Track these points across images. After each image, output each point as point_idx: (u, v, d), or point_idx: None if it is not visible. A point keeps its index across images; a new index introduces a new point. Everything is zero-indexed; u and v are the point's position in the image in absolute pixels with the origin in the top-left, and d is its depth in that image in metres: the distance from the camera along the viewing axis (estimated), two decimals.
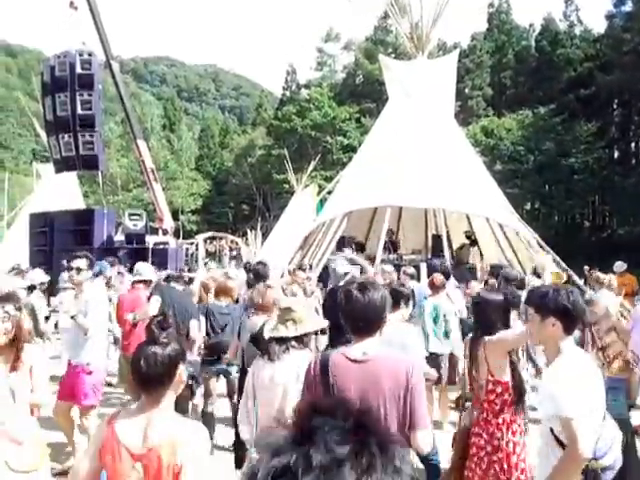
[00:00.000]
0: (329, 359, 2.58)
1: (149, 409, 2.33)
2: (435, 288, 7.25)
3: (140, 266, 7.59)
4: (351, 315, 2.61)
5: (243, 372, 4.82)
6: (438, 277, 7.36)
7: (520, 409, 3.71)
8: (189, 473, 2.22)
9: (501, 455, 3.61)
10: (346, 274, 7.72)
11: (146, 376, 2.31)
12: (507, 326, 3.93)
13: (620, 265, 13.25)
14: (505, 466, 3.57)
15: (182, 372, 2.41)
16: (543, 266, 11.51)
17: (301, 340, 3.38)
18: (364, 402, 2.33)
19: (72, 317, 5.52)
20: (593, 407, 2.83)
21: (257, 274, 7.19)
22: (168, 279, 7.45)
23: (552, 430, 2.83)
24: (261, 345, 4.74)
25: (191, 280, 9.46)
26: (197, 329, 6.36)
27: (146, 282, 7.22)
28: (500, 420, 3.66)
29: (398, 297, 5.66)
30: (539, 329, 2.94)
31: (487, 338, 3.72)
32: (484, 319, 3.93)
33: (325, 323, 3.85)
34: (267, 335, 3.48)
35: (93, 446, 2.37)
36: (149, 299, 6.63)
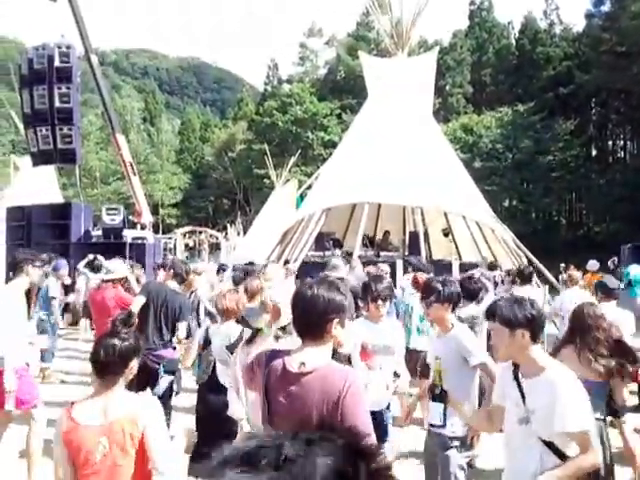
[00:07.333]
0: (271, 364, 2.31)
1: (104, 392, 2.57)
2: (419, 286, 7.35)
3: (111, 264, 7.08)
4: (294, 315, 2.38)
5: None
6: (421, 275, 7.49)
7: None
8: (152, 436, 2.52)
9: None
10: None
11: (103, 364, 2.58)
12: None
13: (593, 264, 13.46)
14: None
15: (135, 366, 2.68)
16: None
17: None
18: (292, 418, 2.13)
19: None
20: None
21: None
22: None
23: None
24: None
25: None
26: (183, 331, 5.79)
27: (115, 281, 6.64)
28: None
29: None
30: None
31: None
32: None
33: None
34: None
35: (57, 437, 2.55)
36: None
